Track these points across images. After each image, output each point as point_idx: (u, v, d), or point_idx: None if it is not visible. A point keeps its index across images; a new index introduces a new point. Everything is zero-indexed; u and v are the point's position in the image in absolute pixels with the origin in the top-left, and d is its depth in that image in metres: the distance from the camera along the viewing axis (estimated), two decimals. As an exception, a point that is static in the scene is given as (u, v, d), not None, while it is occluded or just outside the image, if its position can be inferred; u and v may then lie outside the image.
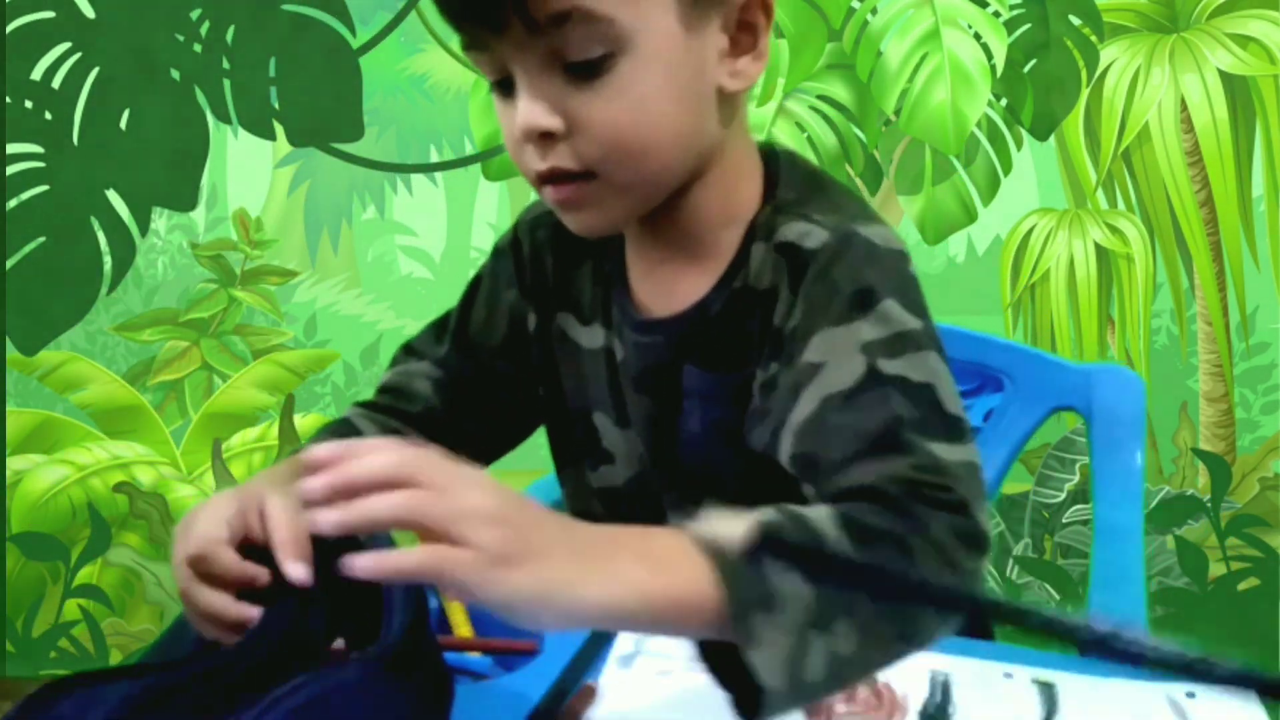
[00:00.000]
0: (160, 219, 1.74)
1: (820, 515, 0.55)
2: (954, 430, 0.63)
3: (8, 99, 1.71)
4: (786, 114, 1.65)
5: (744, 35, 0.69)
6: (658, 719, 0.64)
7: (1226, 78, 1.59)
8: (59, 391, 1.78)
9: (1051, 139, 1.63)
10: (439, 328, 0.89)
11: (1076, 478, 1.68)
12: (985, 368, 1.09)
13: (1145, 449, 1.03)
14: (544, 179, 0.68)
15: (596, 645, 0.70)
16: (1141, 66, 1.61)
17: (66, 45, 1.70)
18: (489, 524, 0.49)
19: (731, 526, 0.53)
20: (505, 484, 0.53)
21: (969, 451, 0.63)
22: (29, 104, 1.71)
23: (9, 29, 1.70)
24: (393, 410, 0.85)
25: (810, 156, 1.64)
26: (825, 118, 1.65)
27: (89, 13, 1.69)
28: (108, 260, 1.74)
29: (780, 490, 0.73)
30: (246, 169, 1.73)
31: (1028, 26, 1.61)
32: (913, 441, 0.61)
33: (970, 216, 1.66)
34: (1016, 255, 1.66)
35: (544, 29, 0.62)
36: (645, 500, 0.84)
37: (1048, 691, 0.66)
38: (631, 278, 0.79)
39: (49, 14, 1.69)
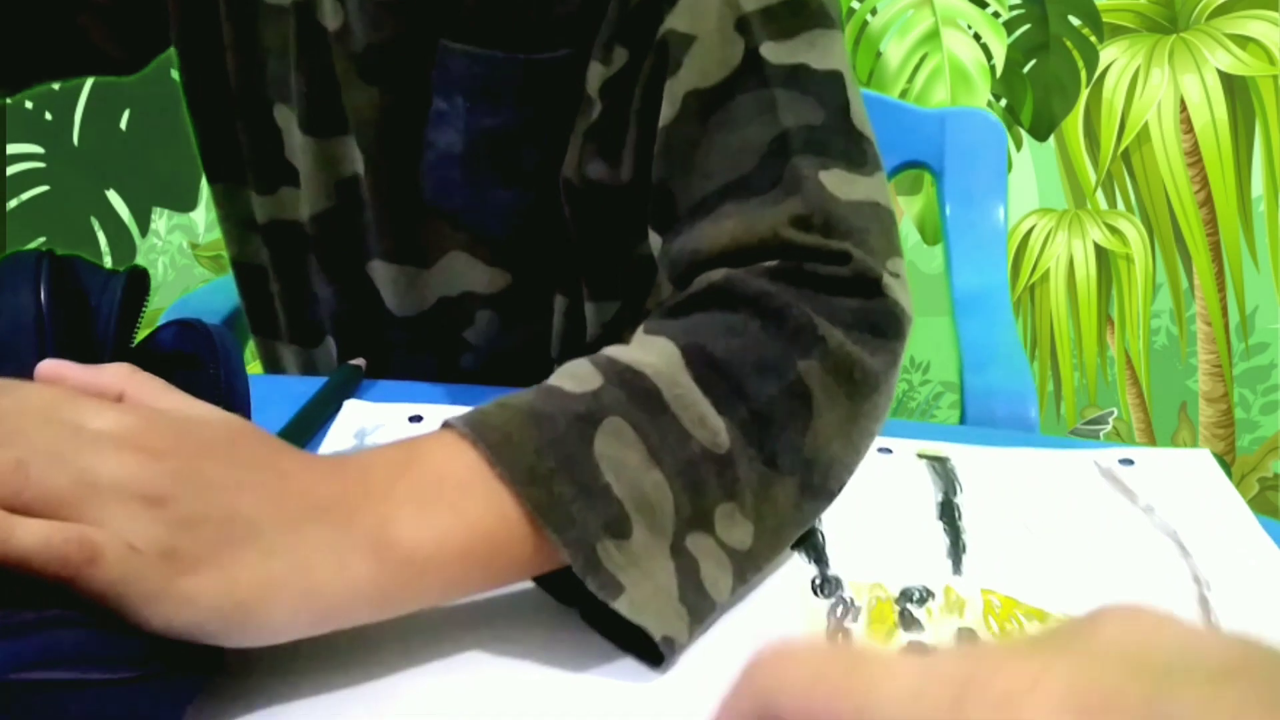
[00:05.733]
0: (160, 219, 1.74)
1: (663, 364, 0.39)
2: (858, 150, 0.46)
3: (8, 99, 1.71)
4: (786, 114, 1.65)
5: None
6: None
7: (1226, 78, 1.59)
8: (59, 391, 1.78)
9: (1051, 139, 1.63)
10: None
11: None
12: None
13: (1008, 206, 0.87)
14: None
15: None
16: (1141, 67, 1.61)
17: (66, 45, 1.70)
18: (139, 503, 0.30)
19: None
20: (187, 405, 0.34)
21: (875, 184, 0.46)
22: (29, 104, 1.71)
23: (9, 29, 1.70)
24: None
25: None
26: (825, 118, 1.65)
27: (89, 13, 1.70)
28: (108, 260, 1.74)
29: (568, 256, 0.54)
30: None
31: (1027, 27, 1.61)
32: (800, 172, 0.44)
33: (970, 217, 1.66)
34: (1016, 255, 1.66)
35: None
36: (337, 251, 0.57)
37: (941, 467, 0.52)
38: None
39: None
